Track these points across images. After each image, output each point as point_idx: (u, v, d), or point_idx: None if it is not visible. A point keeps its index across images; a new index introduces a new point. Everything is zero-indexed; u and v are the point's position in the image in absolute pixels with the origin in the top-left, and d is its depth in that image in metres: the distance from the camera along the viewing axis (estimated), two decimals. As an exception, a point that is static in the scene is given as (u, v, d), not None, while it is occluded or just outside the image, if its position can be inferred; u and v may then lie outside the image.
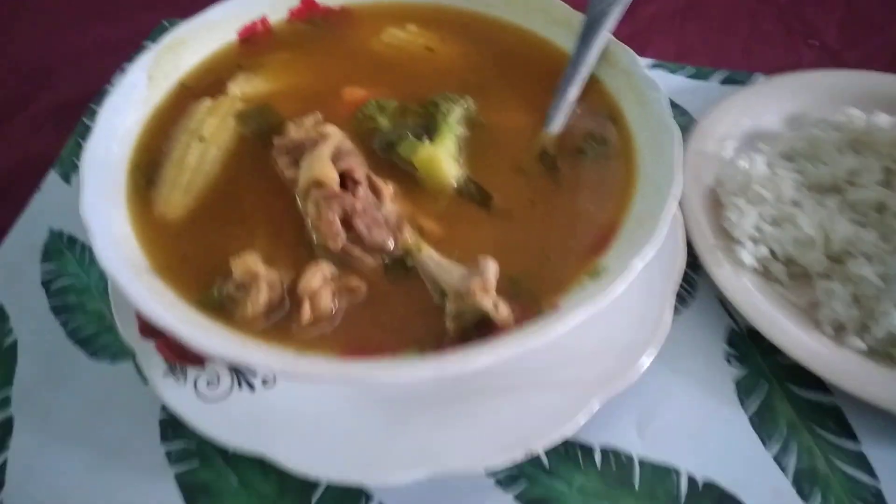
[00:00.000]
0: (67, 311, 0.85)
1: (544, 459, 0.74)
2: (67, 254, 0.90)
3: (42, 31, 1.25)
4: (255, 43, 0.87)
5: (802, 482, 0.74)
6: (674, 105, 1.09)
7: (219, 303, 0.63)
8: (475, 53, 0.87)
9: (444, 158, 0.72)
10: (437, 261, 0.65)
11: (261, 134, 0.76)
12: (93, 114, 1.01)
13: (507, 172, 0.75)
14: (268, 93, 0.81)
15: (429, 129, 0.76)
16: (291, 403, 0.71)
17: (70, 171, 0.98)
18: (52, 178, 0.98)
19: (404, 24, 0.89)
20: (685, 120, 1.07)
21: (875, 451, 0.76)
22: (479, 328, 0.61)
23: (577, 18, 0.84)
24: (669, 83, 1.13)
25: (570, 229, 0.70)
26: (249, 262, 0.63)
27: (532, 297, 0.64)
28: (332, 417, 0.71)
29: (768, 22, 1.26)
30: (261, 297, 0.61)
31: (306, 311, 0.61)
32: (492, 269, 0.62)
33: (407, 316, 0.63)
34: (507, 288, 0.64)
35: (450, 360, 0.56)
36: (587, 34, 0.82)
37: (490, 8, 0.90)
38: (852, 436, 0.77)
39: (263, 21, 0.88)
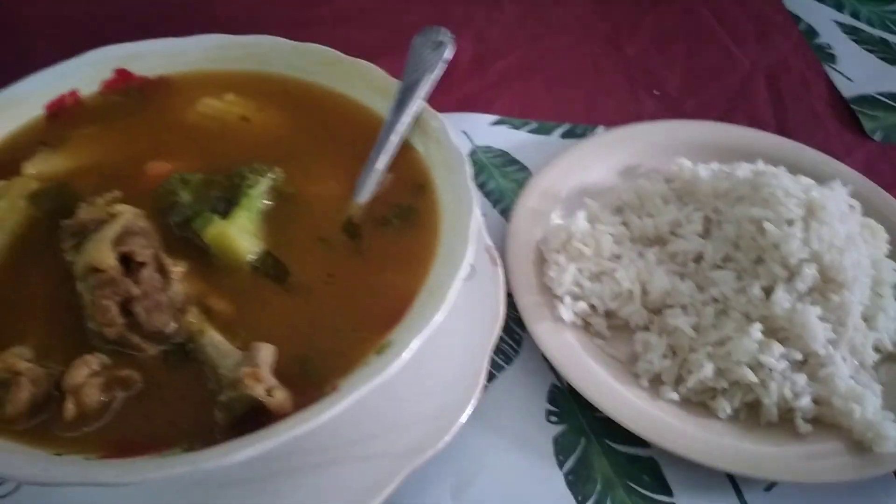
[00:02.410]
0: None
1: (355, 536, 0.73)
2: None
3: None
4: (63, 117, 0.85)
5: (615, 539, 0.74)
6: (514, 161, 1.12)
7: (-20, 402, 0.60)
8: (293, 121, 0.87)
9: (236, 234, 0.71)
10: (217, 345, 0.64)
11: (54, 215, 0.73)
12: None
13: (310, 245, 0.74)
14: (67, 171, 0.79)
15: (231, 201, 0.75)
16: (85, 496, 0.68)
17: None
18: None
19: (223, 94, 0.88)
20: (523, 176, 1.09)
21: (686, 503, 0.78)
22: (254, 416, 0.60)
23: (395, 86, 0.85)
24: (512, 139, 1.15)
25: (366, 304, 0.70)
26: (11, 359, 0.60)
27: (317, 381, 0.63)
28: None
29: (613, 74, 1.30)
30: (22, 395, 0.59)
31: (69, 408, 0.59)
32: (265, 354, 0.61)
33: (181, 408, 0.61)
34: (295, 370, 0.63)
35: (206, 457, 0.54)
36: (400, 101, 0.83)
37: (311, 75, 0.90)
38: (666, 489, 0.79)
39: (73, 94, 0.86)
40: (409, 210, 0.78)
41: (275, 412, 0.59)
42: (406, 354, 0.61)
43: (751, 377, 0.81)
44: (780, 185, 0.91)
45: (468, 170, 0.76)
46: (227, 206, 0.74)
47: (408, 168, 0.82)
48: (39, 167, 0.78)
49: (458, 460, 0.78)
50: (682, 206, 0.98)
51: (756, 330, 0.83)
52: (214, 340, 0.64)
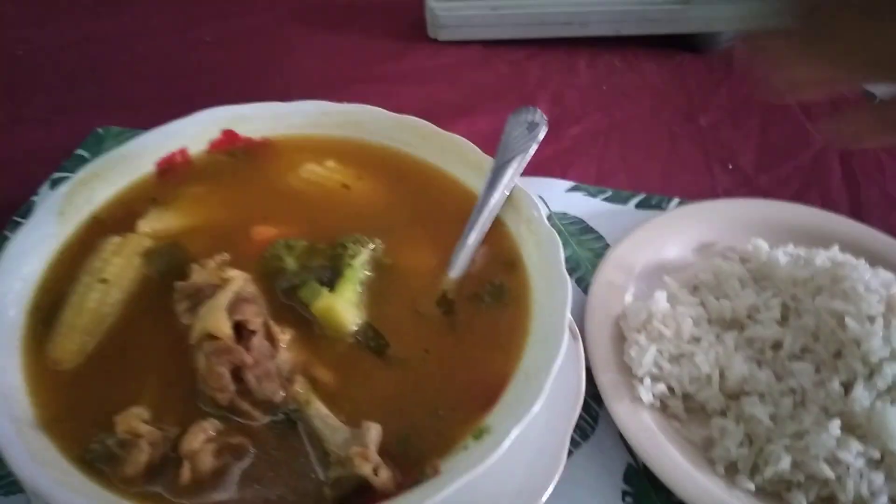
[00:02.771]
0: (-35, 440, 0.84)
1: None
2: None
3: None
4: (172, 174, 0.89)
5: None
6: (590, 230, 1.14)
7: (101, 461, 0.63)
8: (390, 191, 0.90)
9: (342, 308, 0.74)
10: (324, 418, 0.67)
11: (167, 275, 0.77)
12: (15, 226, 1.02)
13: (406, 318, 0.77)
14: (178, 229, 0.83)
15: (335, 270, 0.78)
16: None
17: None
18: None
19: (323, 160, 0.92)
20: (600, 245, 1.11)
21: None
22: (359, 493, 0.62)
23: (488, 163, 0.88)
24: (588, 207, 1.17)
25: (461, 382, 0.72)
26: (133, 420, 0.63)
27: (416, 459, 0.65)
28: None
29: (688, 145, 1.32)
30: (141, 457, 0.62)
31: (186, 473, 0.62)
32: (374, 434, 0.64)
33: (290, 479, 0.64)
34: (394, 447, 0.66)
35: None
36: (493, 180, 0.86)
37: (407, 146, 0.94)
38: (741, 580, 0.79)
39: (183, 152, 0.90)
40: (500, 288, 0.80)
41: (379, 492, 0.62)
42: (507, 444, 0.63)
43: (828, 473, 0.81)
44: (860, 278, 0.91)
45: (561, 253, 0.78)
46: (330, 274, 0.77)
47: (499, 245, 0.84)
48: (153, 224, 0.82)
49: (536, 538, 0.79)
50: (760, 291, 0.99)
51: (835, 426, 0.83)
52: (321, 413, 0.67)
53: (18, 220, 1.06)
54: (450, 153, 0.91)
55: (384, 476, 0.62)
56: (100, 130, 1.23)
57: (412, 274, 0.81)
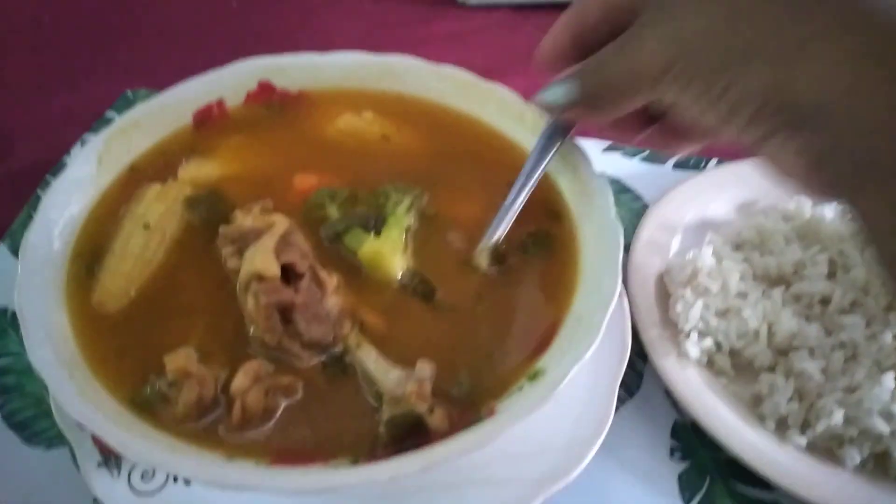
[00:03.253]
0: (5, 392, 0.83)
1: (479, 561, 0.73)
2: (10, 332, 0.88)
3: (2, 98, 1.25)
4: (209, 125, 0.88)
5: (742, 582, 0.73)
6: (627, 190, 1.12)
7: (151, 401, 0.62)
8: (430, 142, 0.88)
9: (389, 253, 0.73)
10: (374, 360, 0.65)
11: (209, 221, 0.76)
12: (48, 186, 1.00)
13: (453, 266, 0.75)
14: (219, 178, 0.82)
15: (378, 219, 0.76)
16: (227, 498, 0.70)
17: (19, 245, 0.97)
18: (0, 252, 0.97)
19: (361, 111, 0.90)
20: (638, 205, 1.09)
21: (815, 551, 0.76)
22: (414, 433, 0.61)
23: (530, 112, 0.86)
24: (625, 167, 1.15)
25: (512, 328, 0.71)
26: (182, 360, 0.62)
27: (470, 401, 0.64)
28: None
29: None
30: (192, 396, 0.61)
31: (237, 412, 0.60)
32: (428, 372, 0.62)
33: (342, 419, 0.63)
34: (447, 390, 0.64)
35: (381, 470, 0.55)
36: (549, 139, 0.82)
37: (448, 98, 0.92)
38: (793, 534, 0.77)
39: (220, 104, 0.89)
40: (546, 236, 0.78)
41: (435, 431, 0.60)
42: (564, 383, 0.62)
43: (882, 427, 0.79)
44: (911, 231, 0.89)
45: (611, 199, 0.76)
46: (374, 222, 0.76)
47: (545, 195, 0.82)
48: (193, 173, 0.81)
49: (583, 492, 0.77)
50: (805, 247, 0.97)
51: (889, 379, 0.81)
52: (372, 355, 0.65)
53: (50, 179, 1.06)
54: (491, 104, 0.89)
55: (439, 415, 0.61)
56: (129, 93, 1.22)
57: (456, 224, 0.79)
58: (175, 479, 0.71)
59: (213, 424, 0.61)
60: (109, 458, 0.71)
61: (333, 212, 0.77)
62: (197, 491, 0.70)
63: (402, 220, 0.76)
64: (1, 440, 0.79)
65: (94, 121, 1.15)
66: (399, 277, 0.73)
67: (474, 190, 0.83)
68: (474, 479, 0.73)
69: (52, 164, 1.08)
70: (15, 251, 0.97)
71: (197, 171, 0.81)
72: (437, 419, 0.60)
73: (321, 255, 0.73)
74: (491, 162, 0.86)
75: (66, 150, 1.09)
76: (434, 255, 0.76)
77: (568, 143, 0.82)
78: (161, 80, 0.88)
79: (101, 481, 0.70)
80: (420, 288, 0.72)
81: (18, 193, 1.04)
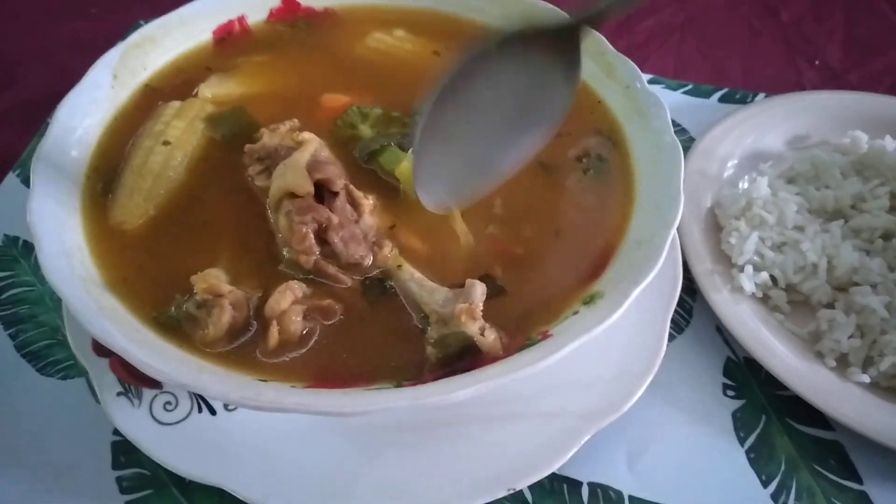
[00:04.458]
0: (18, 322, 0.79)
1: (528, 494, 0.69)
2: (22, 262, 0.84)
3: (14, 25, 1.19)
4: (230, 43, 0.82)
5: (803, 524, 0.69)
6: (673, 123, 1.05)
7: (177, 322, 0.57)
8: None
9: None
10: (419, 281, 0.60)
11: (232, 139, 0.71)
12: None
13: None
14: (241, 96, 0.76)
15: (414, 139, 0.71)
16: (256, 429, 0.66)
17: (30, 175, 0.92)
18: (11, 180, 0.92)
19: (392, 29, 0.84)
20: (684, 139, 1.02)
21: (879, 492, 0.72)
22: (463, 355, 0.56)
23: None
24: (668, 100, 1.04)
25: (566, 251, 0.66)
26: (213, 280, 0.57)
27: (523, 326, 0.59)
28: (299, 445, 0.65)
29: (769, 40, 1.22)
30: (224, 318, 0.56)
31: (273, 335, 0.56)
32: (479, 292, 0.57)
33: (384, 342, 0.58)
34: (498, 314, 0.59)
35: (428, 393, 0.51)
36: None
37: (483, 15, 0.85)
38: (855, 475, 0.73)
39: (241, 20, 0.83)
40: (601, 158, 0.73)
41: (487, 353, 0.55)
42: (627, 304, 0.56)
43: (950, 365, 0.74)
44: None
45: (668, 116, 0.71)
46: (410, 142, 0.70)
47: (598, 117, 0.76)
48: (214, 90, 0.76)
49: (633, 427, 0.73)
50: (864, 181, 0.91)
51: (956, 315, 0.76)
52: (415, 276, 0.60)
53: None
54: (528, 19, 0.83)
55: (491, 337, 0.56)
56: (142, 23, 1.15)
57: None
58: (200, 409, 0.67)
59: (245, 348, 0.57)
60: (129, 387, 0.67)
61: (366, 131, 0.72)
62: (223, 422, 0.66)
63: None
64: (14, 371, 0.75)
65: (104, 50, 1.09)
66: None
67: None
68: (522, 413, 0.68)
69: (62, 94, 1.02)
70: (26, 181, 0.92)
71: (218, 89, 0.76)
72: (489, 340, 0.55)
73: (354, 177, 0.68)
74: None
75: (75, 79, 1.03)
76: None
77: (613, 56, 0.76)
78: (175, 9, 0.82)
79: (121, 411, 0.66)
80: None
81: (28, 123, 0.99)
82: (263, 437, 0.66)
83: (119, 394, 0.67)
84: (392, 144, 0.69)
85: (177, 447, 0.64)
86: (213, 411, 0.67)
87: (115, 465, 0.69)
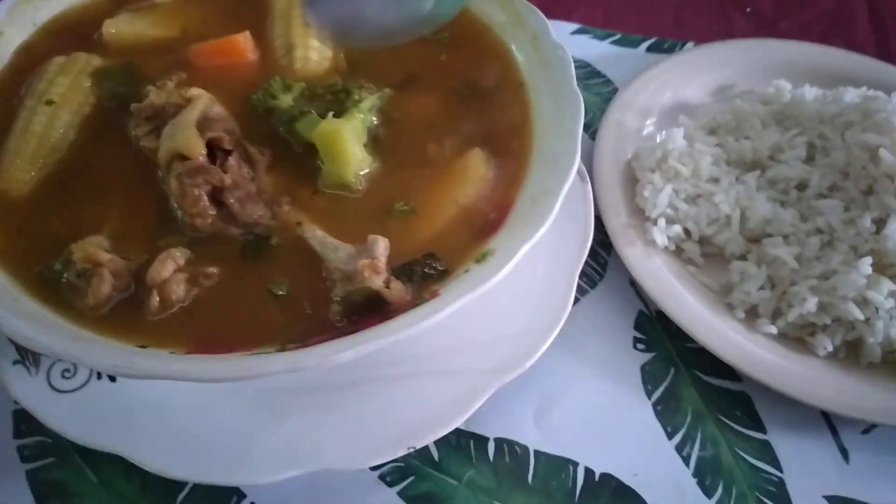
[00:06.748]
0: None
1: (434, 451, 0.70)
2: None
3: None
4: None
5: (704, 474, 0.71)
6: (597, 74, 1.05)
7: (55, 288, 0.56)
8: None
9: (349, 137, 0.64)
10: (320, 238, 0.59)
11: (120, 97, 0.68)
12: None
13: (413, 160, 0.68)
14: (154, 40, 0.73)
15: (338, 113, 0.66)
16: (157, 395, 0.65)
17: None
18: None
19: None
20: (608, 90, 1.02)
21: (781, 441, 0.74)
22: (371, 311, 0.55)
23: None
24: (595, 50, 1.07)
25: (461, 209, 0.65)
26: (91, 249, 0.56)
27: (415, 288, 0.58)
28: (201, 410, 0.65)
29: (701, -13, 1.20)
30: (103, 287, 0.55)
31: (154, 303, 0.55)
32: (382, 246, 0.57)
33: (268, 303, 0.57)
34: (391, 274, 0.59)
35: (307, 358, 0.50)
36: None
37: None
38: (759, 425, 0.74)
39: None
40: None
41: (394, 304, 0.55)
42: (513, 262, 0.56)
43: (856, 314, 0.75)
44: (895, 110, 0.83)
45: (572, 69, 0.69)
46: (333, 115, 0.66)
47: (503, 67, 0.75)
48: (120, 27, 0.73)
49: (542, 383, 0.74)
50: (783, 130, 0.91)
51: (865, 265, 0.76)
52: (317, 234, 0.59)
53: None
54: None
55: (397, 288, 0.55)
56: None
57: (419, 124, 0.70)
58: (99, 376, 0.66)
59: (126, 314, 0.56)
60: (27, 354, 0.66)
61: (287, 101, 0.68)
62: (123, 389, 0.66)
63: (365, 114, 0.67)
64: None
65: None
66: (357, 170, 0.64)
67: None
68: (429, 371, 0.68)
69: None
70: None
71: (125, 26, 0.73)
72: (395, 291, 0.55)
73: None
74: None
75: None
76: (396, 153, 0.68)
77: (522, 4, 0.74)
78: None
79: (18, 379, 0.65)
80: None
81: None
82: (164, 402, 0.65)
83: (16, 362, 0.66)
84: (312, 112, 0.66)
85: (74, 415, 0.63)
86: (112, 378, 0.66)
87: (17, 434, 0.68)
